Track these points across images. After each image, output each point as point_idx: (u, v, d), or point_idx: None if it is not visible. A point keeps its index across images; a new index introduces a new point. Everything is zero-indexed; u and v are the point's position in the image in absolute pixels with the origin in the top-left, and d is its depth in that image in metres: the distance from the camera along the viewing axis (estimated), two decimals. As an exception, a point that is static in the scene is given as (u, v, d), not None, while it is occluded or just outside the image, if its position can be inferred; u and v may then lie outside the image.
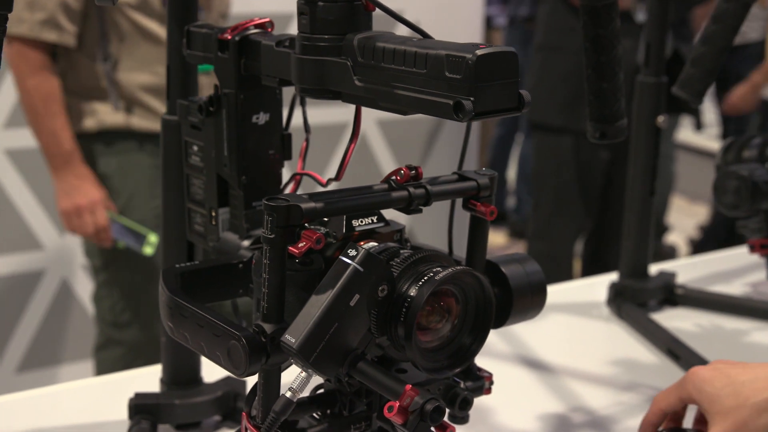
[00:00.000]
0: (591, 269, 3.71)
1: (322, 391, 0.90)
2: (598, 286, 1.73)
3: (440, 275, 0.80)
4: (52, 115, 2.41)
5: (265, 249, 0.79)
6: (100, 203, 2.47)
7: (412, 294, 0.79)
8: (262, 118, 0.99)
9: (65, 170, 2.47)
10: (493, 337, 1.49)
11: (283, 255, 0.79)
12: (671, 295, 1.67)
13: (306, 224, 0.80)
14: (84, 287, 3.13)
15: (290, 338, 0.77)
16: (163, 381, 1.20)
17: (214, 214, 1.03)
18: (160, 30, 2.47)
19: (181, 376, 1.19)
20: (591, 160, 3.41)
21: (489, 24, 5.26)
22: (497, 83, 0.74)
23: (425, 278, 0.80)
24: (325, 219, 0.87)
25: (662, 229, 4.65)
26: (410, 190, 0.85)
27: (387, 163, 3.67)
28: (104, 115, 2.49)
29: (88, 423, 1.21)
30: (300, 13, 0.84)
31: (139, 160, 2.54)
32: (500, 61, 0.74)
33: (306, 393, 0.87)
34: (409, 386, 0.76)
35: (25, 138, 2.85)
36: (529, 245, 3.64)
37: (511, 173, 5.83)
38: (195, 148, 1.04)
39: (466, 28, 3.79)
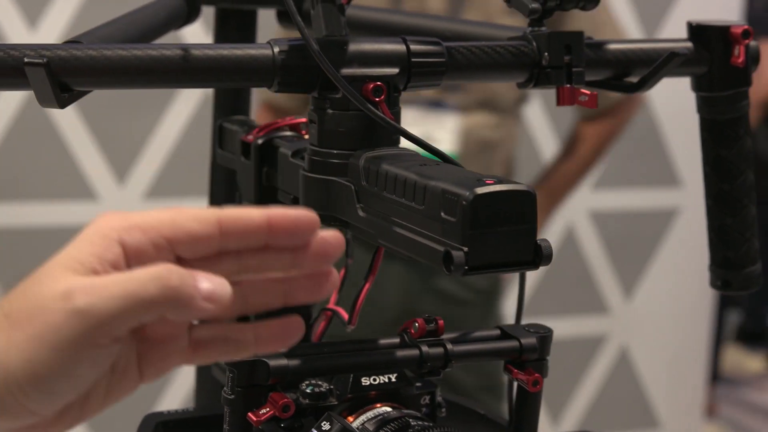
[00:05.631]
0: None
1: None
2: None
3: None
4: None
5: (225, 411, 0.65)
6: None
7: (407, 481, 0.63)
8: None
9: None
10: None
11: (245, 421, 0.65)
12: None
13: (275, 384, 0.65)
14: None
15: None
16: None
17: None
18: None
19: None
20: None
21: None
22: (503, 230, 0.56)
23: (427, 466, 0.64)
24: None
25: None
26: (423, 348, 0.68)
27: (600, 266, 3.33)
28: None
29: None
30: (310, 121, 0.70)
31: None
32: (509, 202, 0.56)
33: None
34: None
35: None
36: None
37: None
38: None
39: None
